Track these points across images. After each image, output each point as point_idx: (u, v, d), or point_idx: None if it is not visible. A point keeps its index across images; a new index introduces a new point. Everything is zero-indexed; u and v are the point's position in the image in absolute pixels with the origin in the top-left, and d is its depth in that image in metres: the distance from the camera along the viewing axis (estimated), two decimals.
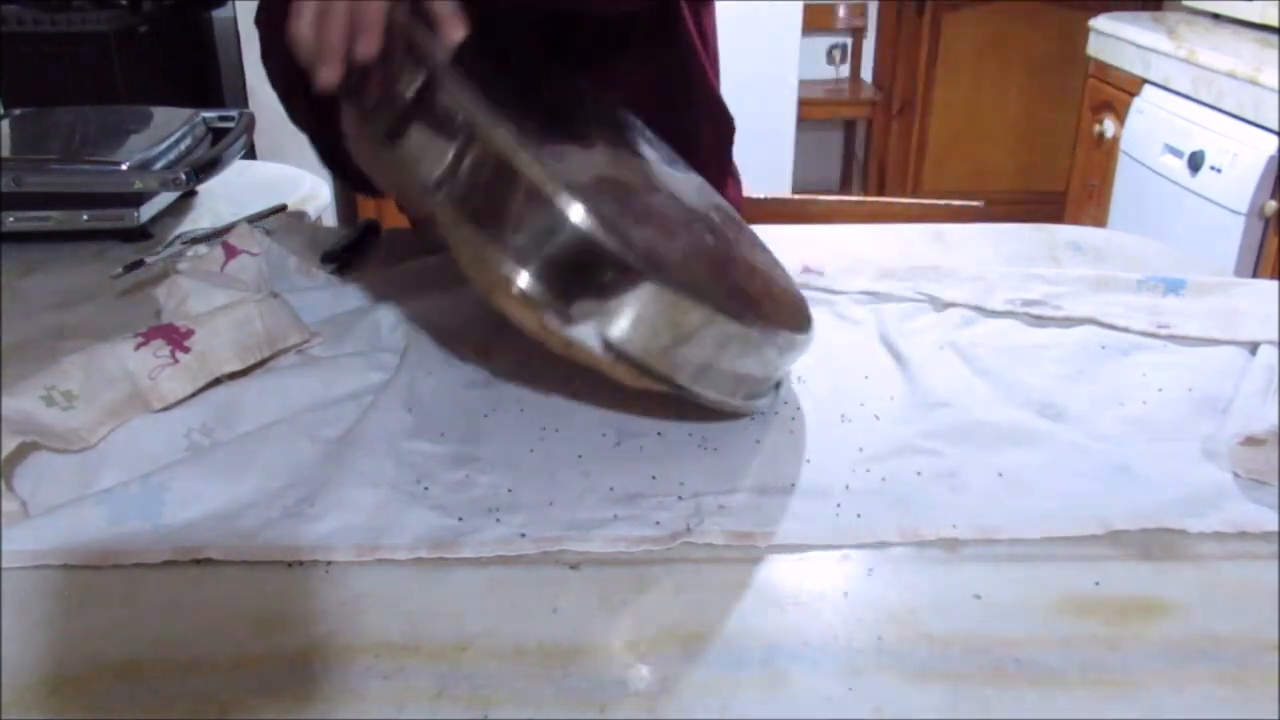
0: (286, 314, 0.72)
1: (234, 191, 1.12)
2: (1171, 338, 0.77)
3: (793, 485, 0.59)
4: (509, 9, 0.71)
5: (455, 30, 0.59)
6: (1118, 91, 2.24)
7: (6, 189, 0.94)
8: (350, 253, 0.88)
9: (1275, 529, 0.55)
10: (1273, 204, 1.70)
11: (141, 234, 0.98)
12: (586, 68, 0.84)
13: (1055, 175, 2.89)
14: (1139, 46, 2.14)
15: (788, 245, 0.77)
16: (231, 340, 0.67)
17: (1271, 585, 0.51)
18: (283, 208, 0.99)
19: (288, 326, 0.71)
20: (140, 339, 0.65)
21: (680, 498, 0.57)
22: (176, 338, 0.65)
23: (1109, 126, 2.26)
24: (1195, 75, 1.93)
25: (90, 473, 0.58)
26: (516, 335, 0.55)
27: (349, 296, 0.81)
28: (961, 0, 3.07)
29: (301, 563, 0.52)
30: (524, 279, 0.51)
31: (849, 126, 3.38)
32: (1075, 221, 2.37)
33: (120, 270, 0.83)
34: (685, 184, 0.72)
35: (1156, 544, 0.54)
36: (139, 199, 0.97)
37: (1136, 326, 0.78)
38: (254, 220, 0.90)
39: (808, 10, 2.56)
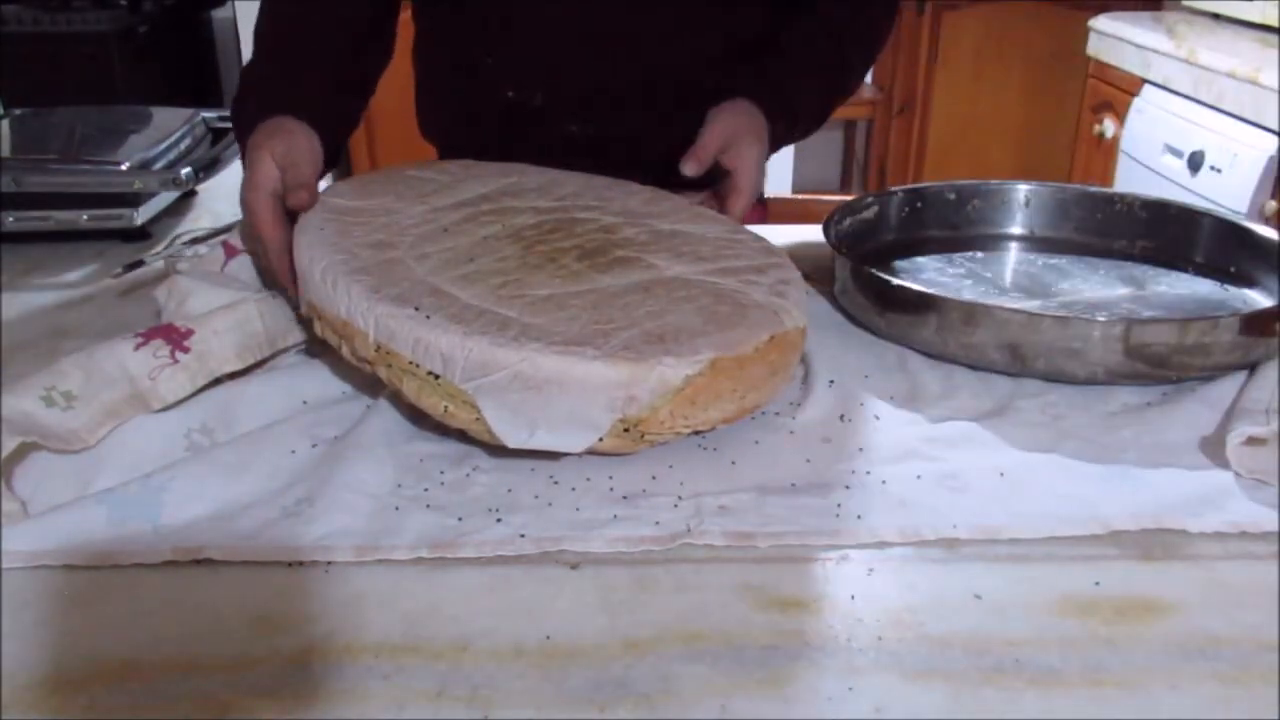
0: (286, 314, 0.72)
1: (234, 191, 1.11)
2: None
3: (793, 485, 0.59)
4: None
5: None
6: (1118, 91, 2.23)
7: (6, 189, 0.94)
8: None
9: (1275, 529, 0.55)
10: (1273, 204, 1.70)
11: (141, 234, 0.98)
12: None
13: (1055, 175, 2.89)
14: (1139, 46, 2.13)
15: (788, 245, 0.77)
16: (232, 340, 0.67)
17: (1271, 585, 0.51)
18: None
19: (288, 326, 0.71)
20: (140, 339, 0.65)
21: (680, 498, 0.57)
22: (176, 338, 0.65)
23: (1109, 126, 2.25)
24: (1195, 75, 1.93)
25: (90, 473, 0.58)
26: None
27: None
28: (961, 0, 3.06)
29: (301, 563, 0.52)
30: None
31: (849, 126, 3.38)
32: None
33: (120, 270, 0.83)
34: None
35: (1156, 544, 0.54)
36: (139, 199, 0.97)
37: None
38: None
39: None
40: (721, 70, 0.93)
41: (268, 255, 0.72)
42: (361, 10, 0.86)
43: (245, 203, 0.73)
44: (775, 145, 0.88)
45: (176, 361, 0.64)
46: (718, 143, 0.82)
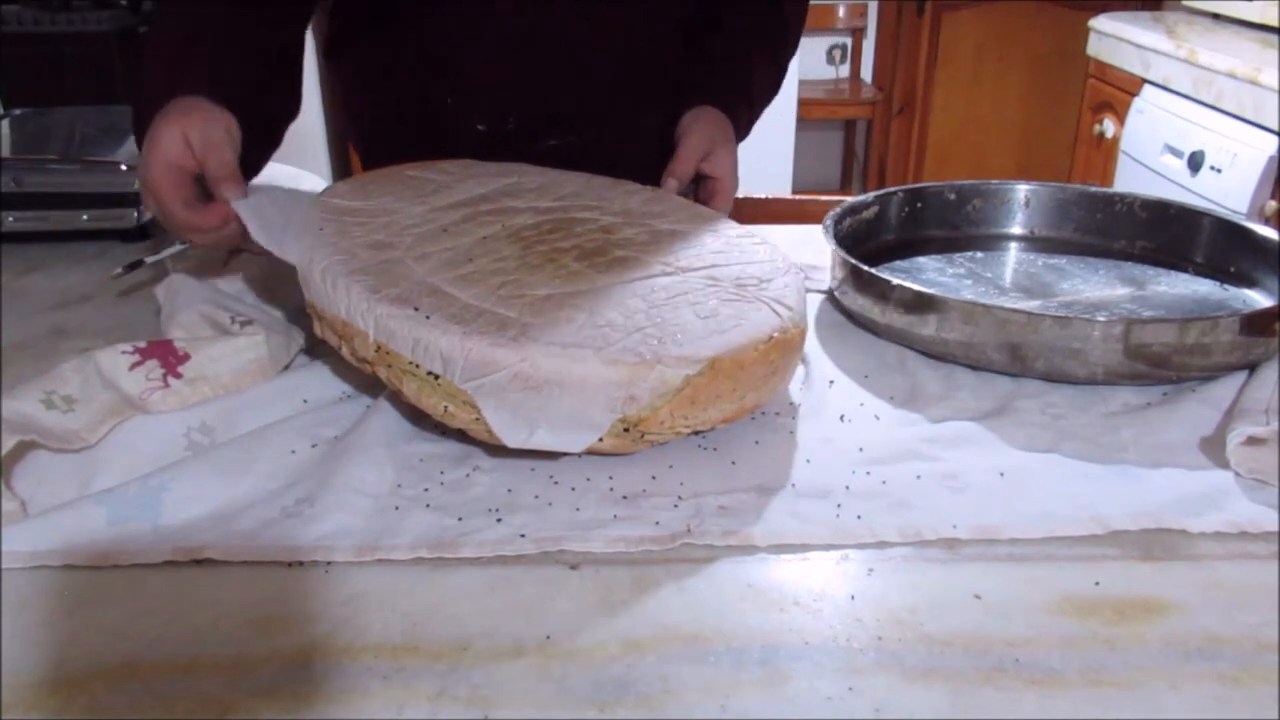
0: (287, 334, 0.71)
1: None
2: None
3: (793, 485, 0.59)
4: None
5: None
6: (1118, 91, 2.23)
7: (6, 189, 0.94)
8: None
9: (1275, 529, 0.55)
10: (1273, 204, 1.70)
11: (141, 234, 0.98)
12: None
13: (1055, 175, 2.90)
14: (1139, 46, 2.13)
15: (788, 245, 0.77)
16: (227, 367, 0.67)
17: (1271, 585, 0.51)
18: None
19: (290, 343, 0.71)
20: (137, 357, 0.64)
21: (680, 498, 0.57)
22: (172, 361, 0.65)
23: (1109, 126, 2.25)
24: (1195, 75, 1.93)
25: (90, 473, 0.58)
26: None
27: None
28: (961, 0, 3.07)
29: (301, 563, 0.52)
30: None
31: (849, 126, 3.38)
32: None
33: (120, 270, 0.83)
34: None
35: (1156, 544, 0.54)
36: (139, 199, 0.97)
37: None
38: None
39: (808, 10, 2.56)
40: (681, 50, 0.95)
41: (185, 235, 0.69)
42: (269, 43, 0.78)
43: (146, 182, 0.67)
44: (740, 136, 0.90)
45: (168, 386, 0.64)
46: (697, 155, 0.85)
